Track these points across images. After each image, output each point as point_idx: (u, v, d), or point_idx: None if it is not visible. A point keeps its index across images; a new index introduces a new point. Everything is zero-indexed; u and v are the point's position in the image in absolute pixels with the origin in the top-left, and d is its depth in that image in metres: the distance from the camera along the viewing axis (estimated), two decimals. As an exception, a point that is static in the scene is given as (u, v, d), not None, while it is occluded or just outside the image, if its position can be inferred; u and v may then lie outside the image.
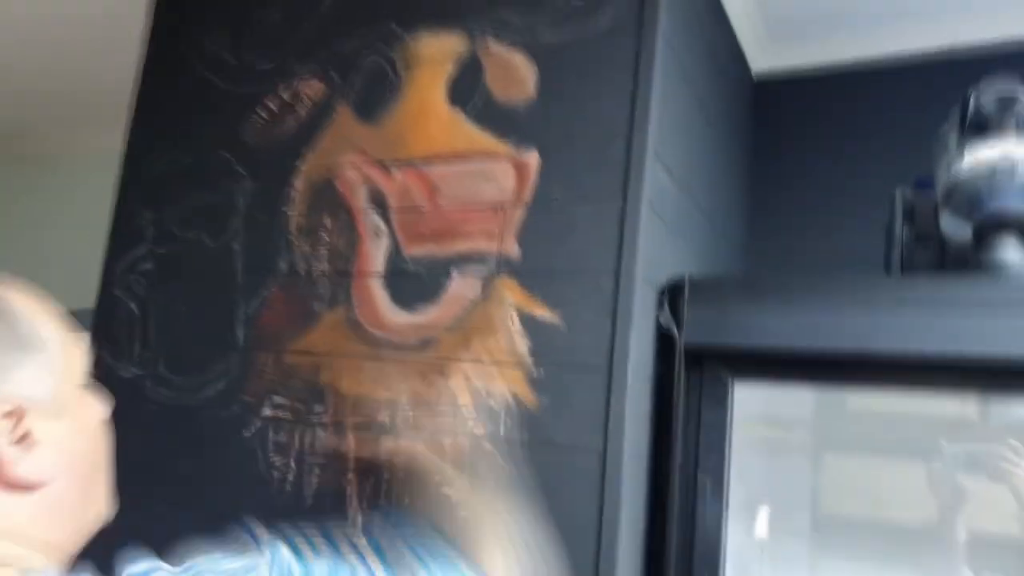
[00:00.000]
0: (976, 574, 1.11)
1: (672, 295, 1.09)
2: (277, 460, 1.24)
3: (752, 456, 1.25)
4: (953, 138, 1.01)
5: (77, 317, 1.88)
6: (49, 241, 2.57)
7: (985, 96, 0.98)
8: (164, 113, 1.55)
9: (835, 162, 1.63)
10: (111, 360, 1.47)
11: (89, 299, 1.68)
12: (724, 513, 1.05)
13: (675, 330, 1.07)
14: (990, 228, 0.95)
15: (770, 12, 1.59)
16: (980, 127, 0.97)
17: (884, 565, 1.18)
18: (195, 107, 1.50)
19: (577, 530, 1.00)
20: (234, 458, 1.27)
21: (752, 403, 1.17)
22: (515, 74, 1.19)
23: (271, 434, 1.26)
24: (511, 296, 1.11)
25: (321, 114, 1.35)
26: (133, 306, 1.47)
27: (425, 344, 1.16)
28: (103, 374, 1.47)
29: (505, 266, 1.13)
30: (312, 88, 1.37)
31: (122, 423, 1.43)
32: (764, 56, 1.71)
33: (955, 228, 0.99)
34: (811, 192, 1.63)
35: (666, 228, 1.15)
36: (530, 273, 1.11)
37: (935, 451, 1.10)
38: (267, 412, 1.27)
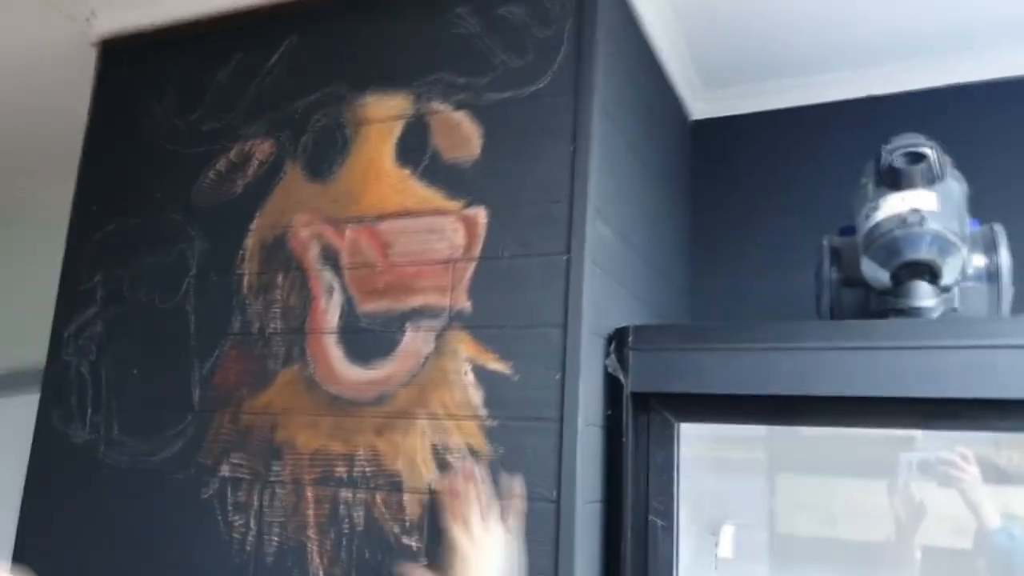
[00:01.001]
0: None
1: (618, 343, 1.14)
2: (236, 520, 1.24)
3: (707, 477, 1.29)
4: (870, 189, 1.09)
5: (25, 377, 1.85)
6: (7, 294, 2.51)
7: (895, 151, 1.06)
8: (111, 174, 1.55)
9: (771, 202, 1.71)
10: (62, 425, 1.45)
11: (37, 356, 1.66)
12: (675, 553, 1.09)
13: (622, 377, 1.12)
14: (905, 275, 1.03)
15: (703, 61, 1.67)
16: (892, 179, 1.05)
17: None
18: (143, 168, 1.51)
19: (535, 578, 1.03)
20: (193, 520, 1.27)
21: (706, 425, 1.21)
22: (460, 133, 1.23)
23: (229, 494, 1.26)
24: (464, 349, 1.15)
25: (271, 174, 1.38)
26: (83, 370, 1.46)
27: (381, 399, 1.19)
28: (54, 440, 1.45)
29: (457, 320, 1.16)
30: (261, 148, 1.40)
31: (74, 488, 1.42)
32: (700, 102, 1.80)
33: (874, 273, 1.07)
34: (749, 233, 1.71)
35: (610, 279, 1.20)
36: (482, 326, 1.15)
37: (891, 464, 1.14)
38: (225, 472, 1.27)
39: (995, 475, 1.10)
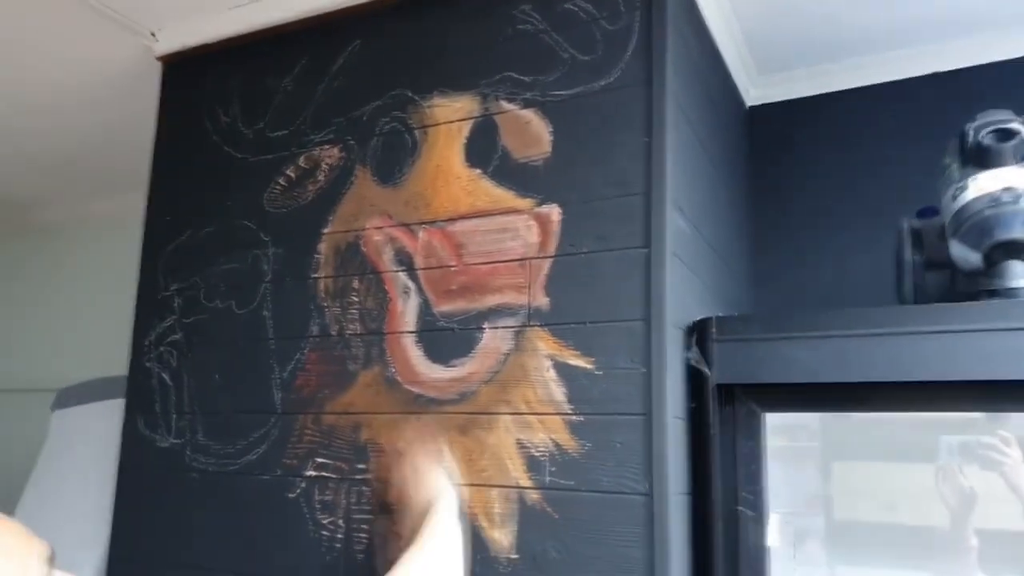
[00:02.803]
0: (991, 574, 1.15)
1: (700, 335, 1.14)
2: (325, 519, 1.27)
3: (769, 467, 1.28)
4: (955, 169, 1.07)
5: (106, 385, 1.90)
6: (71, 309, 2.59)
7: (983, 128, 1.03)
8: (182, 184, 1.59)
9: (830, 186, 1.69)
10: (147, 431, 1.50)
11: (112, 366, 1.71)
12: (766, 543, 1.09)
13: (706, 368, 1.12)
14: (999, 255, 1.01)
15: (758, 45, 1.65)
16: (981, 158, 1.03)
17: (900, 568, 1.22)
18: (213, 177, 1.55)
19: (629, 571, 1.03)
20: (281, 520, 1.30)
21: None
22: (530, 132, 1.24)
23: (316, 494, 1.29)
24: (544, 346, 1.16)
25: (341, 179, 1.40)
26: (166, 376, 1.50)
27: (463, 397, 1.20)
28: (140, 445, 1.50)
29: (536, 317, 1.17)
30: (330, 154, 1.42)
31: (163, 493, 1.46)
32: (755, 88, 1.78)
33: (964, 255, 1.05)
34: (808, 217, 1.69)
35: (687, 270, 1.19)
36: (561, 323, 1.15)
37: (936, 448, 1.14)
38: (310, 472, 1.30)
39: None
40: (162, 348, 1.52)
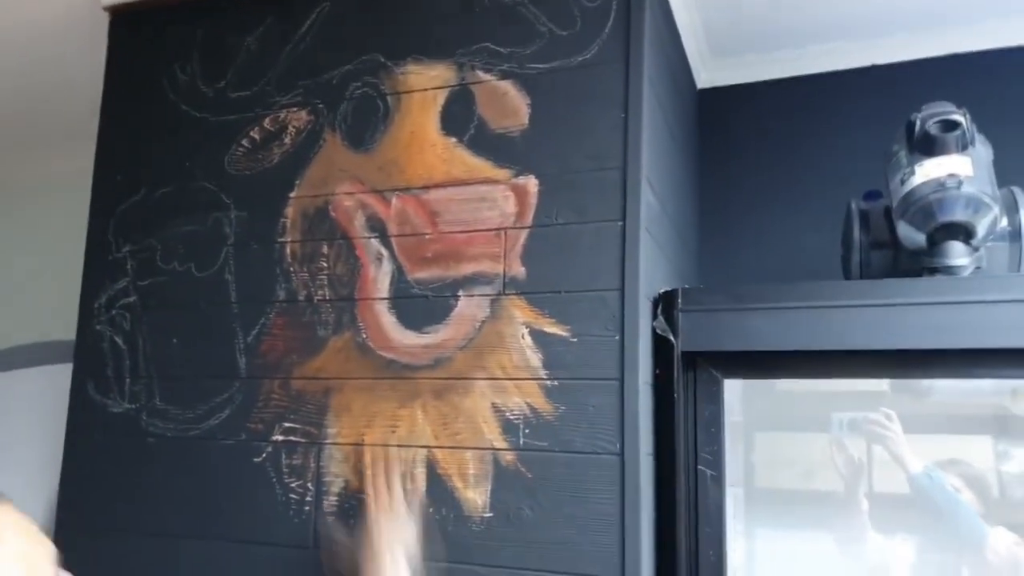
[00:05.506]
0: (886, 534, 1.29)
1: (666, 305, 1.20)
2: (293, 483, 1.27)
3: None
4: (903, 155, 1.16)
5: (53, 348, 1.83)
6: (18, 268, 2.41)
7: (929, 119, 1.13)
8: (134, 143, 1.53)
9: (772, 168, 1.78)
10: (98, 396, 1.45)
11: (60, 328, 1.64)
12: (724, 500, 1.17)
13: (672, 337, 1.18)
14: (941, 236, 1.10)
15: (713, 30, 1.72)
16: (927, 146, 1.12)
17: (809, 530, 1.34)
18: (169, 137, 1.50)
19: (600, 527, 1.09)
20: (247, 484, 1.30)
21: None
22: (507, 103, 1.26)
23: (284, 458, 1.29)
24: (520, 314, 1.19)
25: (309, 143, 1.38)
26: (118, 340, 1.46)
27: (438, 362, 1.22)
28: (91, 411, 1.45)
29: (512, 286, 1.20)
30: (297, 117, 1.40)
31: (116, 459, 1.43)
32: (706, 72, 1.85)
33: (910, 235, 1.14)
34: (750, 196, 1.78)
35: (654, 244, 1.25)
36: (537, 291, 1.19)
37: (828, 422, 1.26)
38: (278, 436, 1.30)
39: (1017, 425, 1.21)
40: (114, 311, 1.48)
